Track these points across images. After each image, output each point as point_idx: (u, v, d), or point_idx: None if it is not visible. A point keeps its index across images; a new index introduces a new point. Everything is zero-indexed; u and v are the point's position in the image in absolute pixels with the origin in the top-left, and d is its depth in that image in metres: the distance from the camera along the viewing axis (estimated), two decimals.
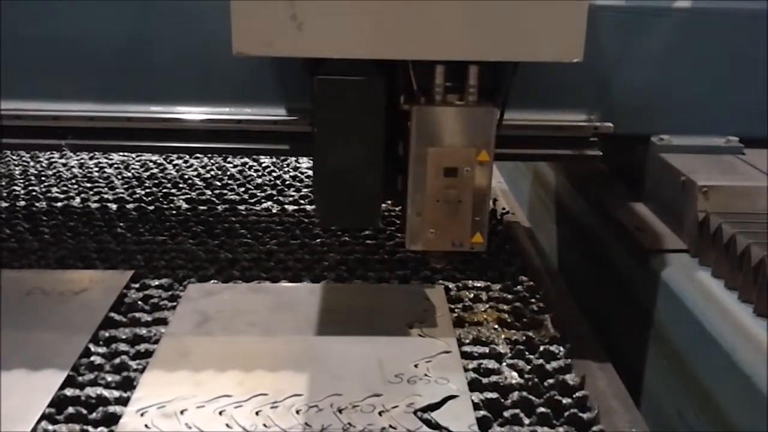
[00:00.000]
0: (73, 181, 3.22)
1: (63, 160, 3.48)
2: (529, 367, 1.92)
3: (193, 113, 2.30)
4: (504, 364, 1.93)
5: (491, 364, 1.92)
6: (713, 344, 1.70)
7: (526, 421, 1.72)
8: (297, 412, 1.70)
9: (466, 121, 1.84)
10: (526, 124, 2.25)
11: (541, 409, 1.74)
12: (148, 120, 2.30)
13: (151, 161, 3.49)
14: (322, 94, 1.86)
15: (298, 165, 3.46)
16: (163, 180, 3.26)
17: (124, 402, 1.75)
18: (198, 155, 3.54)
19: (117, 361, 1.90)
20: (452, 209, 1.89)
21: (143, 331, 2.05)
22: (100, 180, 3.23)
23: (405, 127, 1.88)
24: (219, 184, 3.21)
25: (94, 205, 2.95)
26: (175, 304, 2.18)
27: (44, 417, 1.69)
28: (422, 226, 1.91)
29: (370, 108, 1.87)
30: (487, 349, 1.99)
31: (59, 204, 2.95)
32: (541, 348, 2.00)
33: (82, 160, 3.48)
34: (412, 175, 1.87)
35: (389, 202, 2.67)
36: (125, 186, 3.17)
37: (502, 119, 1.94)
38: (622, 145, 2.41)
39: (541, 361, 1.94)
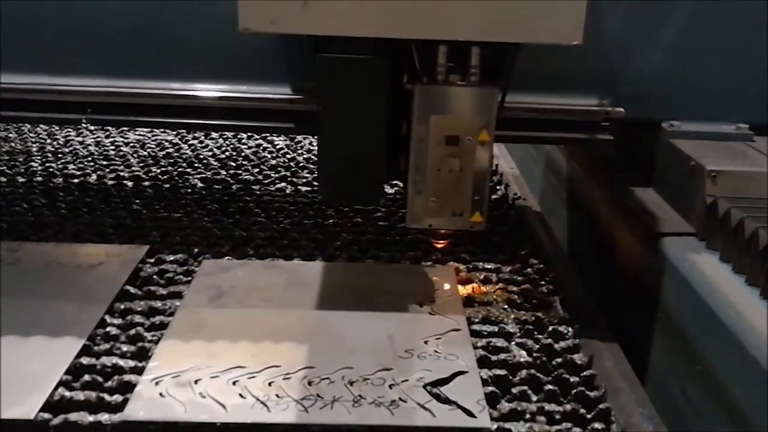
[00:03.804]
0: (90, 158, 3.25)
1: (79, 138, 3.51)
2: (537, 346, 1.94)
3: (201, 90, 2.31)
4: (513, 342, 1.96)
5: (500, 342, 1.95)
6: (719, 326, 1.72)
7: (534, 397, 1.76)
8: (309, 383, 1.73)
9: (467, 100, 1.86)
10: (537, 107, 2.27)
11: (549, 387, 1.77)
12: (162, 96, 2.31)
13: (166, 141, 3.52)
14: (325, 73, 1.88)
15: (311, 147, 3.48)
16: (179, 159, 3.28)
17: (139, 371, 1.78)
18: (213, 136, 3.57)
19: (132, 332, 1.94)
20: (453, 179, 1.90)
21: (158, 303, 2.08)
22: (116, 158, 3.27)
23: (408, 107, 1.90)
24: (233, 164, 3.24)
25: (111, 182, 2.98)
26: (190, 278, 2.21)
27: (61, 384, 1.73)
28: (423, 204, 1.93)
29: (372, 86, 1.88)
30: (496, 328, 2.02)
31: (76, 180, 2.99)
32: (550, 328, 2.03)
33: (99, 139, 3.51)
34: (413, 152, 1.89)
35: (399, 184, 2.70)
36: (141, 164, 3.20)
37: (504, 101, 1.96)
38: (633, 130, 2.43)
39: (549, 340, 1.97)
